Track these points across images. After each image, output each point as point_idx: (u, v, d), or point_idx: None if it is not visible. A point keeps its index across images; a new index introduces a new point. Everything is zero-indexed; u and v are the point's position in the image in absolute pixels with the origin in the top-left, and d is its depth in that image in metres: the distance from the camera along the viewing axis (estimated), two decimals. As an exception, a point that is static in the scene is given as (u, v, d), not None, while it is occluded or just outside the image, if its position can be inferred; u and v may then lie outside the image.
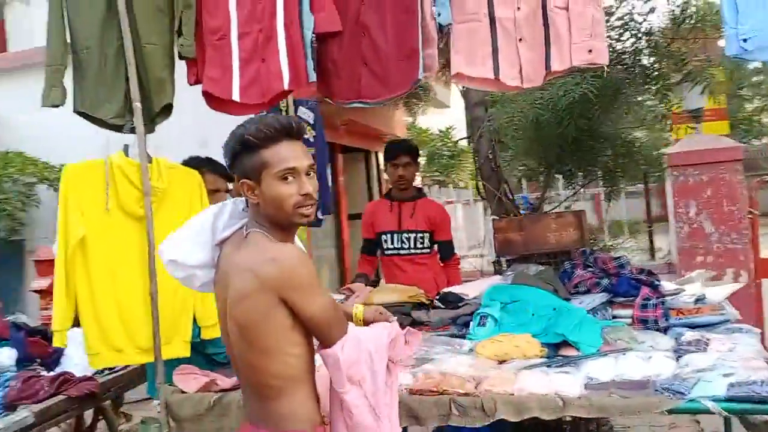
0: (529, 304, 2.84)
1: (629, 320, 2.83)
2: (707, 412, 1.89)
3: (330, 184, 8.79)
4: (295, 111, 3.90)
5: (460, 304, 3.09)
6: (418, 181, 14.26)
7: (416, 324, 3.05)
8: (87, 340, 2.54)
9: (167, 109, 2.65)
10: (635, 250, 4.19)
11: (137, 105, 2.53)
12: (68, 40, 2.63)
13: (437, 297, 3.20)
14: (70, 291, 2.54)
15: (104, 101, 2.58)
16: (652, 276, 3.00)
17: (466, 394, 2.14)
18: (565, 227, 3.39)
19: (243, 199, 1.85)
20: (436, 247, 3.84)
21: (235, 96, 2.51)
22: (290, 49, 2.46)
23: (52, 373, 3.29)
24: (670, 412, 1.93)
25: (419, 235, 3.76)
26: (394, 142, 3.86)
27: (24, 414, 2.95)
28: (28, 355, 3.43)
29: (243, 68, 2.50)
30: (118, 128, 2.61)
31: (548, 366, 2.35)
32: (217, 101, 2.59)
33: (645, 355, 2.34)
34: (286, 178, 1.69)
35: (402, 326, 2.94)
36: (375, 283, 3.85)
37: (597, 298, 2.94)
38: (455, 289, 3.26)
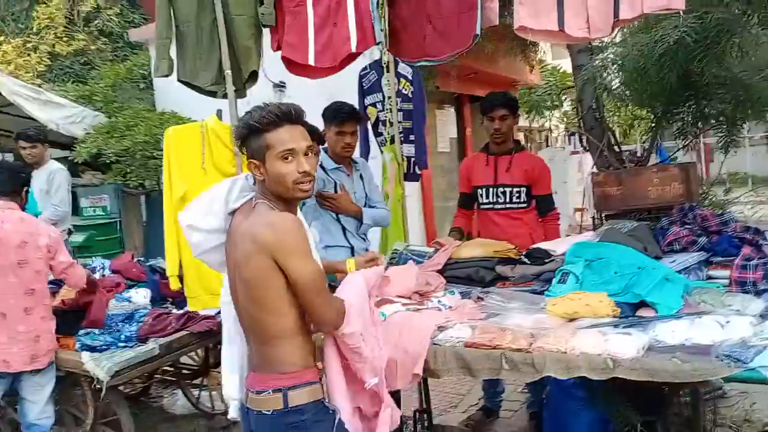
0: (613, 262, 2.74)
1: (726, 281, 2.64)
2: (765, 382, 1.77)
3: (457, 136, 8.79)
4: (396, 66, 3.96)
5: (546, 261, 3.05)
6: (561, 129, 13.70)
7: (500, 279, 3.07)
8: (187, 285, 2.88)
9: (254, 76, 2.85)
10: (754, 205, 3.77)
11: (228, 72, 2.75)
12: (172, 17, 2.90)
13: (524, 252, 3.18)
14: (178, 241, 2.88)
15: (201, 70, 2.84)
16: (759, 234, 2.76)
17: (518, 350, 2.16)
18: (669, 181, 3.17)
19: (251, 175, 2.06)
20: (534, 201, 3.78)
21: (311, 60, 2.65)
22: (358, 12, 2.54)
23: (179, 311, 3.75)
24: (726, 380, 1.83)
25: (515, 189, 3.70)
26: (491, 94, 3.79)
27: (152, 346, 3.43)
28: (161, 295, 3.92)
29: (317, 33, 2.62)
30: (213, 94, 2.86)
31: (615, 326, 2.29)
32: (295, 66, 2.74)
33: (723, 320, 2.19)
34: (286, 158, 1.91)
35: (484, 281, 3.03)
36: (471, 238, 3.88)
37: (692, 258, 2.77)
38: (544, 244, 3.21)
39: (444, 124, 8.08)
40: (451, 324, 2.44)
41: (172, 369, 4.30)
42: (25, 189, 3.51)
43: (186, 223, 2.13)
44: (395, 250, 3.52)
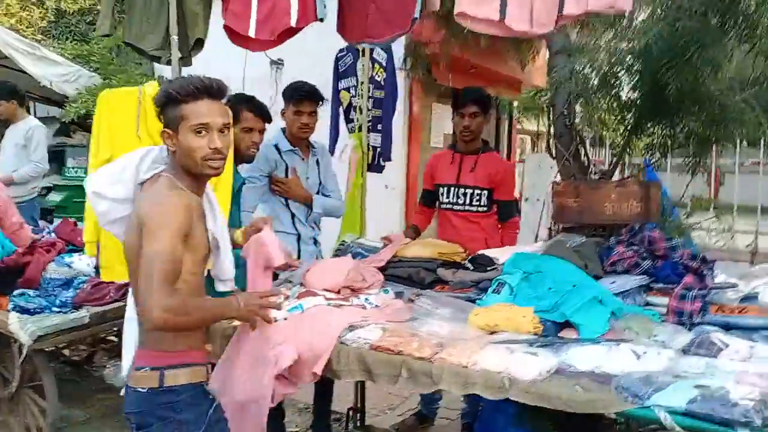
0: (549, 276, 2.62)
1: (664, 309, 2.52)
2: (659, 423, 1.65)
3: (452, 132, 8.64)
4: (371, 51, 3.83)
5: (488, 268, 2.94)
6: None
7: (440, 282, 2.96)
8: (102, 254, 2.79)
9: (200, 44, 2.73)
10: (718, 233, 3.59)
11: (174, 38, 2.65)
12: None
13: (468, 258, 3.07)
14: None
15: (147, 33, 2.74)
16: (706, 264, 2.62)
17: (420, 358, 2.06)
18: (627, 198, 3.04)
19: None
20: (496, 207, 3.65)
21: (251, 32, 2.54)
22: (301, -16, 2.42)
23: (120, 282, 3.66)
24: (619, 415, 1.72)
25: (476, 191, 3.57)
26: (465, 89, 3.65)
27: (83, 314, 3.36)
28: (107, 263, 3.83)
29: (260, 4, 2.51)
30: (158, 59, 2.75)
31: (530, 344, 2.17)
32: (237, 37, 2.63)
33: (641, 350, 2.07)
34: (199, 132, 1.86)
35: (424, 283, 2.92)
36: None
37: (632, 281, 2.65)
38: (490, 251, 3.09)
39: (439, 119, 7.92)
40: (364, 324, 2.34)
41: (117, 339, 4.22)
42: None
43: (92, 190, 2.05)
44: (343, 242, 3.42)
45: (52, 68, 7.54)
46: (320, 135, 4.19)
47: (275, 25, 2.50)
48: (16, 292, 3.49)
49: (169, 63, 2.74)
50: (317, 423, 3.57)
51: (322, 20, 2.46)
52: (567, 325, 2.38)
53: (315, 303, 2.53)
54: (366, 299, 2.67)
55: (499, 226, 3.65)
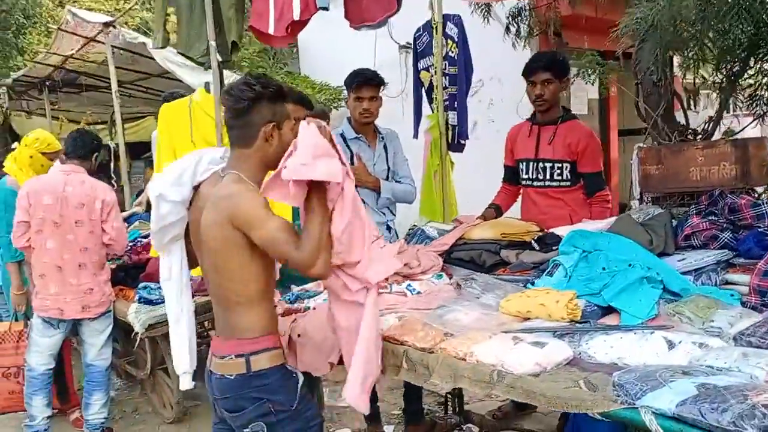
0: (604, 255, 2.34)
1: (746, 289, 2.13)
2: (644, 427, 1.41)
3: (598, 97, 7.94)
4: (444, 27, 3.68)
5: (554, 248, 2.70)
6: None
7: (503, 264, 2.78)
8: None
9: (235, 46, 2.84)
10: None
11: (212, 44, 2.79)
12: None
13: (536, 237, 2.84)
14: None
15: (194, 41, 2.91)
16: (802, 233, 2.17)
17: (421, 349, 1.97)
18: (717, 161, 2.59)
19: (222, 148, 2.13)
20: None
21: (271, 29, 2.58)
22: (303, -24, 2.40)
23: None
24: (603, 415, 1.49)
25: (556, 165, 3.28)
26: (535, 55, 3.35)
27: (188, 303, 3.67)
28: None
29: (276, 2, 2.54)
30: (202, 65, 2.91)
31: (554, 333, 1.96)
32: (261, 35, 2.69)
33: (677, 339, 1.78)
34: (293, 131, 1.98)
35: (485, 266, 2.77)
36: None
37: (708, 256, 2.28)
38: (561, 229, 2.83)
39: (580, 84, 7.34)
40: (385, 312, 2.28)
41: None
42: (95, 155, 3.88)
43: (156, 193, 2.14)
44: (414, 225, 3.35)
45: (205, 76, 8.26)
46: (405, 118, 4.15)
47: (285, 20, 2.53)
48: (141, 285, 3.92)
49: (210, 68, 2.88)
50: (409, 405, 3.57)
51: (326, 9, 2.43)
52: (614, 309, 2.12)
53: (350, 291, 2.51)
54: (408, 286, 2.60)
55: (587, 201, 3.33)
